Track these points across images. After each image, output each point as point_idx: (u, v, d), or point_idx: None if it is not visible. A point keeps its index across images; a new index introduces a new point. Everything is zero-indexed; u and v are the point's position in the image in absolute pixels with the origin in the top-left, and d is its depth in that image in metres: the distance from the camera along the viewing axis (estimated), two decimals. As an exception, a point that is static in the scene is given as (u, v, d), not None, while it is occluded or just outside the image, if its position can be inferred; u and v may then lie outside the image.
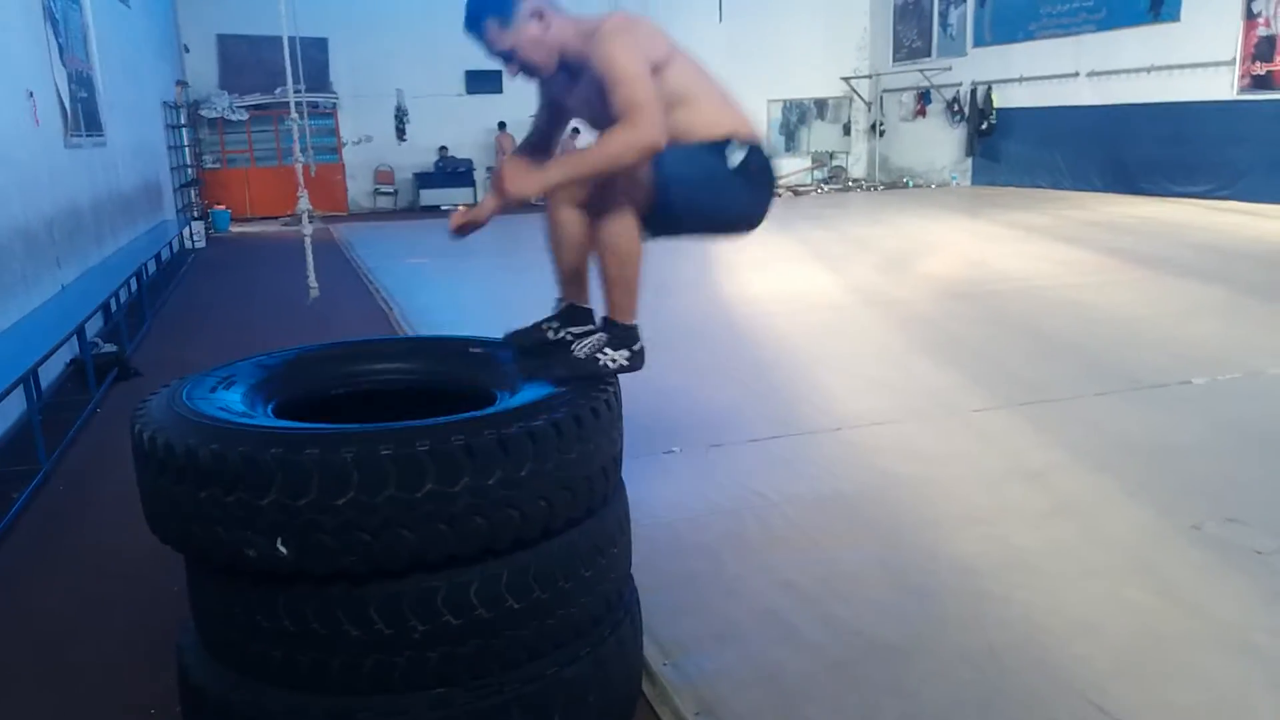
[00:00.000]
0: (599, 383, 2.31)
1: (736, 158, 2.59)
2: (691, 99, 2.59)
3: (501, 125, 18.84)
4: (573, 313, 2.70)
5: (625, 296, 2.56)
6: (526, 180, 2.42)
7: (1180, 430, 4.41)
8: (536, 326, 2.71)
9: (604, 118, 2.54)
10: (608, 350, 2.50)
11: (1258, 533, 3.28)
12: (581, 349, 2.51)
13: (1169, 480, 3.82)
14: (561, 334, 2.69)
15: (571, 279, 2.73)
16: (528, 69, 2.56)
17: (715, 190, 2.63)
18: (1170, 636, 2.71)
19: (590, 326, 2.64)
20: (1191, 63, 14.48)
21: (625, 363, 2.52)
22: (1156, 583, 2.98)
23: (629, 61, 2.43)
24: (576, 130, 18.50)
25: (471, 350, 2.66)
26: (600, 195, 2.49)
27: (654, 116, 2.39)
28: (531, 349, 2.60)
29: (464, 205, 2.97)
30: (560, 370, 2.42)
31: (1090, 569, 3.10)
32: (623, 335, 2.54)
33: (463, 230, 2.76)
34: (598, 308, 2.65)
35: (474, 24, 2.51)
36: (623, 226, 2.47)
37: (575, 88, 2.66)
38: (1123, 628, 2.75)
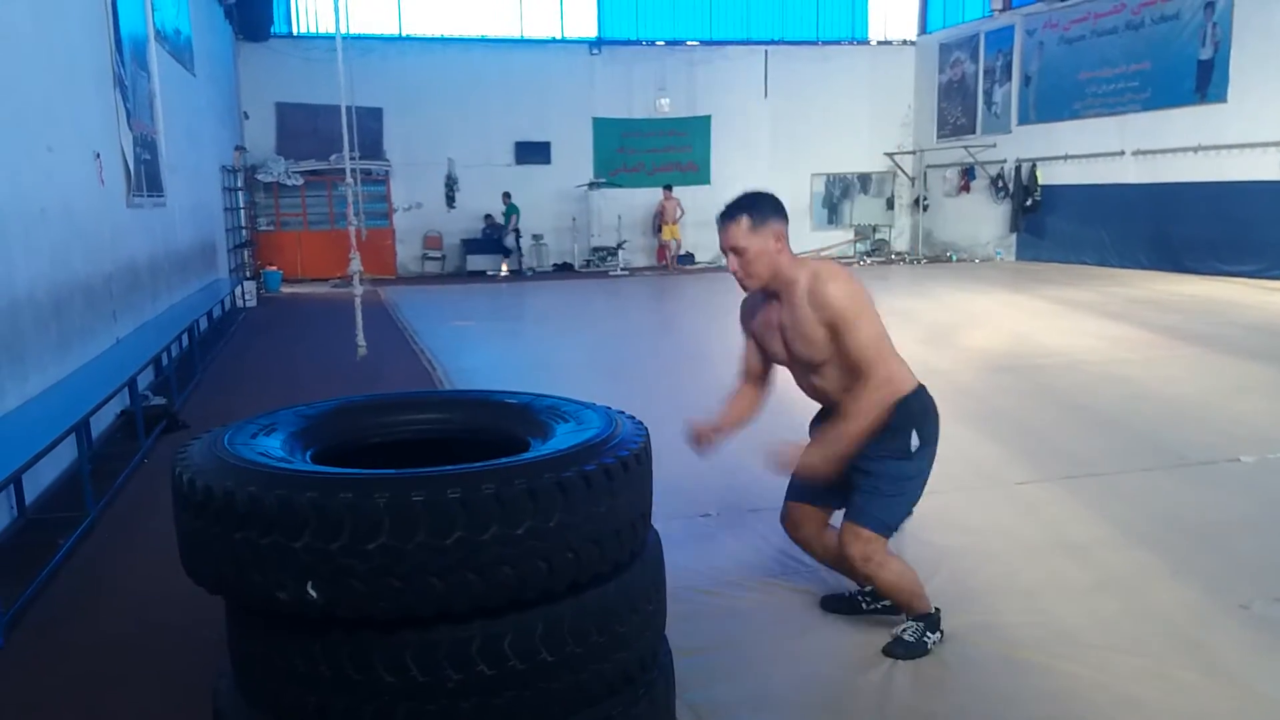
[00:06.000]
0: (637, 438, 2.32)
1: (915, 441, 2.89)
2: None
3: (668, 187, 19.40)
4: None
5: (910, 599, 2.96)
6: (816, 462, 2.85)
7: (1229, 508, 4.31)
8: (852, 597, 3.20)
9: (792, 350, 2.91)
10: (929, 634, 2.96)
11: (1310, 614, 3.18)
12: (905, 632, 2.95)
13: (1216, 558, 3.73)
14: (876, 605, 3.17)
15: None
16: (749, 272, 2.86)
17: (917, 484, 2.96)
18: (1217, 716, 2.62)
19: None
20: (1239, 143, 14.39)
21: (937, 640, 2.96)
22: (1203, 661, 2.89)
23: (868, 315, 2.79)
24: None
25: (507, 402, 2.69)
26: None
27: (890, 371, 2.81)
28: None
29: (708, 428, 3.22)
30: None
31: (1135, 645, 3.01)
32: (930, 620, 2.97)
33: (708, 444, 3.16)
34: None
35: (732, 213, 2.84)
36: (871, 556, 2.88)
37: (766, 313, 2.98)
38: (1168, 705, 2.66)
